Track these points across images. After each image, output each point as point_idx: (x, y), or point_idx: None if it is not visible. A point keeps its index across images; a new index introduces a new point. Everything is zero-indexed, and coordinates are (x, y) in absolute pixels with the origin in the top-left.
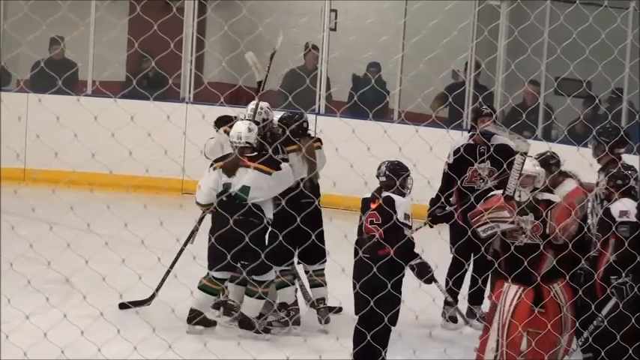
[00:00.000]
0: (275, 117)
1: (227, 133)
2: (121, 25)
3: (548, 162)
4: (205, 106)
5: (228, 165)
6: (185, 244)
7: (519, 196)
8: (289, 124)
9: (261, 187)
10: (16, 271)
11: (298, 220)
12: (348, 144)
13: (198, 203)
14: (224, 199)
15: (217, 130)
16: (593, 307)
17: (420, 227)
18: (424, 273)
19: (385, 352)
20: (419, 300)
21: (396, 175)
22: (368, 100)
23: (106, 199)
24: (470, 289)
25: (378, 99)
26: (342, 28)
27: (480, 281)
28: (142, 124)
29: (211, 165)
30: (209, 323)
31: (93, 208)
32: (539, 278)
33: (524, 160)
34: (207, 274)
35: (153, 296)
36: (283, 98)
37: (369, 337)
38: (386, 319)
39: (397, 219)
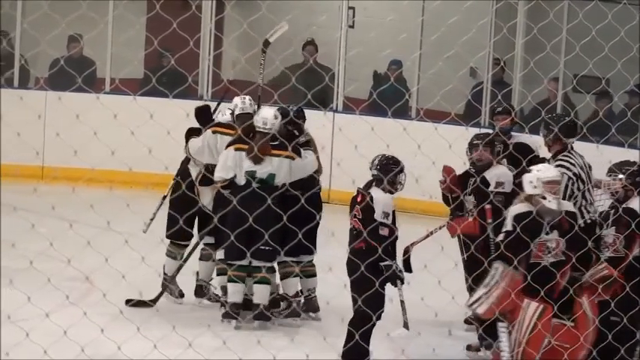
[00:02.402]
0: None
1: (217, 133)
2: (139, 23)
3: (494, 142)
4: (224, 104)
5: (256, 152)
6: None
7: (549, 201)
8: (299, 117)
9: (285, 173)
10: (36, 269)
11: (318, 217)
12: (367, 142)
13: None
14: (249, 185)
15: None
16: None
17: (444, 226)
18: (391, 276)
19: (368, 351)
20: (438, 298)
21: (386, 170)
22: (388, 97)
23: (126, 196)
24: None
25: (398, 97)
26: (361, 25)
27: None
28: (160, 122)
29: (229, 145)
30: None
31: (112, 205)
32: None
33: None
34: (231, 265)
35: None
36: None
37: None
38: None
39: (374, 217)
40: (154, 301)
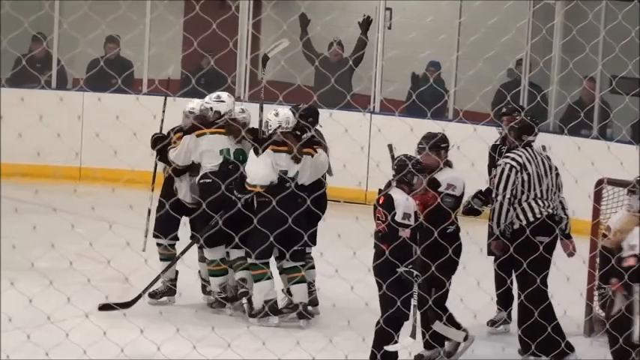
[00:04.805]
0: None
1: (201, 135)
2: (178, 24)
3: (439, 145)
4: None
5: (294, 152)
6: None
7: None
8: (306, 116)
9: (307, 170)
10: (76, 270)
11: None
12: (406, 143)
13: (253, 185)
14: (281, 185)
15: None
16: None
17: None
18: (408, 281)
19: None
20: (477, 299)
21: (403, 170)
22: (426, 99)
23: None
24: (497, 291)
25: (437, 98)
26: (399, 26)
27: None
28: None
29: (264, 148)
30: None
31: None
32: None
33: None
34: (257, 264)
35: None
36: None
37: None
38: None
39: (394, 219)
40: (129, 304)
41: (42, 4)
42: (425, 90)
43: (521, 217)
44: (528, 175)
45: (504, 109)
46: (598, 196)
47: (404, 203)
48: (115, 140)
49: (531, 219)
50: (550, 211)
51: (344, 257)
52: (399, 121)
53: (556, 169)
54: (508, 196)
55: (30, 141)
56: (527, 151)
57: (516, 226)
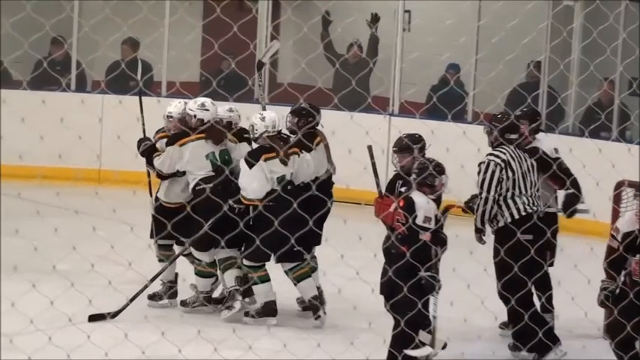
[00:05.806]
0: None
1: (184, 144)
2: (198, 26)
3: (411, 147)
4: (281, 108)
5: (284, 155)
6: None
7: None
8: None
9: (298, 169)
10: (97, 272)
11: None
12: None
13: (249, 200)
14: (283, 189)
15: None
16: None
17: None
18: (427, 287)
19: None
20: (497, 301)
21: (423, 173)
22: (445, 101)
23: None
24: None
25: (456, 101)
26: (418, 29)
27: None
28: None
29: (253, 159)
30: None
31: None
32: None
33: None
34: (255, 267)
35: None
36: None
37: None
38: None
39: (414, 222)
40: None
41: (62, 7)
42: (444, 92)
43: (506, 214)
44: (513, 171)
45: (520, 112)
46: (618, 198)
47: (425, 206)
48: (135, 142)
49: (516, 216)
50: (535, 207)
51: (365, 259)
52: (420, 123)
53: (534, 165)
54: (493, 193)
55: (51, 143)
56: (510, 149)
57: (501, 224)
